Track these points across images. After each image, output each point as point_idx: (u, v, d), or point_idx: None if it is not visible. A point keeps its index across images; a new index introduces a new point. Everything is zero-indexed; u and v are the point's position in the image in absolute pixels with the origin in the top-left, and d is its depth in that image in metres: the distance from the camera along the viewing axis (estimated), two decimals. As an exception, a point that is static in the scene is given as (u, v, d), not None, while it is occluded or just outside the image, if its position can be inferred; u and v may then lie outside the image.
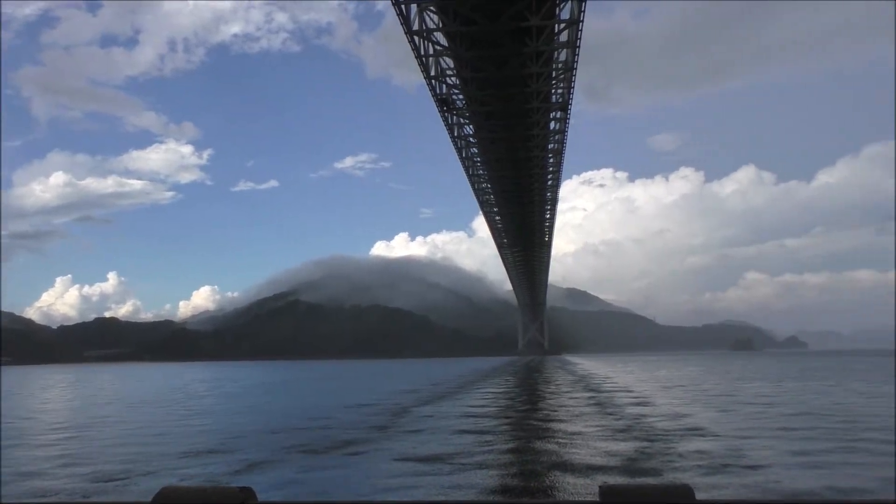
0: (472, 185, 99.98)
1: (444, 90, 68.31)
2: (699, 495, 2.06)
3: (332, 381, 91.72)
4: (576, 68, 61.73)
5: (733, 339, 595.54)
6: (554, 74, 64.31)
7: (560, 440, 23.72)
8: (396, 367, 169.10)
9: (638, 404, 38.62)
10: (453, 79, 66.63)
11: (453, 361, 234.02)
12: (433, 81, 65.39)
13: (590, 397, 45.88)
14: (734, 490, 14.74)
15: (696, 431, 25.40)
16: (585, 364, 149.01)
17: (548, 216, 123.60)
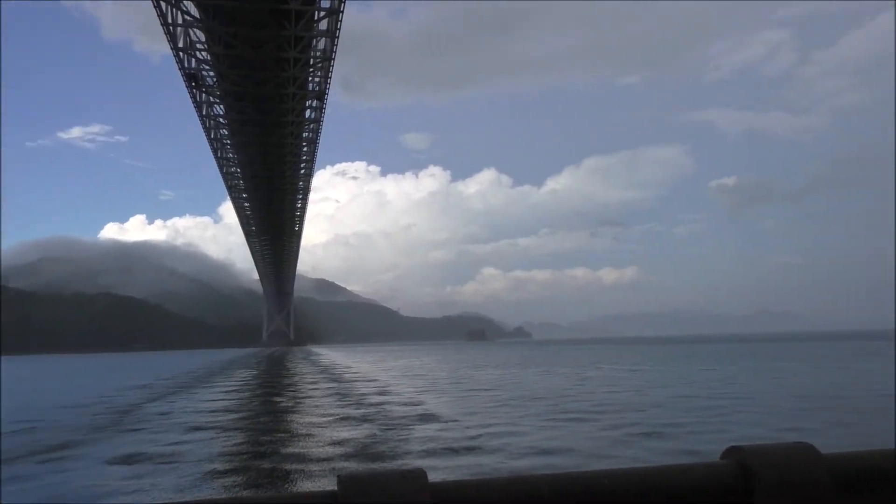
0: (221, 169, 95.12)
1: (194, 65, 63.99)
2: (432, 477, 2.09)
3: (46, 380, 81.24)
4: (334, 58, 61.62)
5: (468, 330, 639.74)
6: (312, 62, 63.52)
7: (300, 432, 23.45)
8: (126, 361, 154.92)
9: (378, 393, 39.63)
10: (204, 53, 62.71)
11: (191, 354, 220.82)
12: (181, 54, 60.89)
13: (332, 388, 46.10)
14: (464, 470, 15.75)
15: (430, 417, 26.69)
16: (330, 355, 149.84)
17: (299, 205, 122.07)
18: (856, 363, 62.42)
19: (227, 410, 32.41)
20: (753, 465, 2.26)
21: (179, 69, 62.76)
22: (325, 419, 26.98)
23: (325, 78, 66.42)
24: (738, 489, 2.26)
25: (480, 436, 21.38)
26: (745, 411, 26.60)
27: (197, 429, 25.09)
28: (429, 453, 18.36)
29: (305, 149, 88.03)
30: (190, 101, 69.98)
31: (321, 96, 70.84)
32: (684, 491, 2.26)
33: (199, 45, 61.19)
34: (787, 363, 65.02)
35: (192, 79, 65.16)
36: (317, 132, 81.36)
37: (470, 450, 18.82)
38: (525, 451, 18.40)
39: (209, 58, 62.99)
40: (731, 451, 2.38)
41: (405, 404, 32.43)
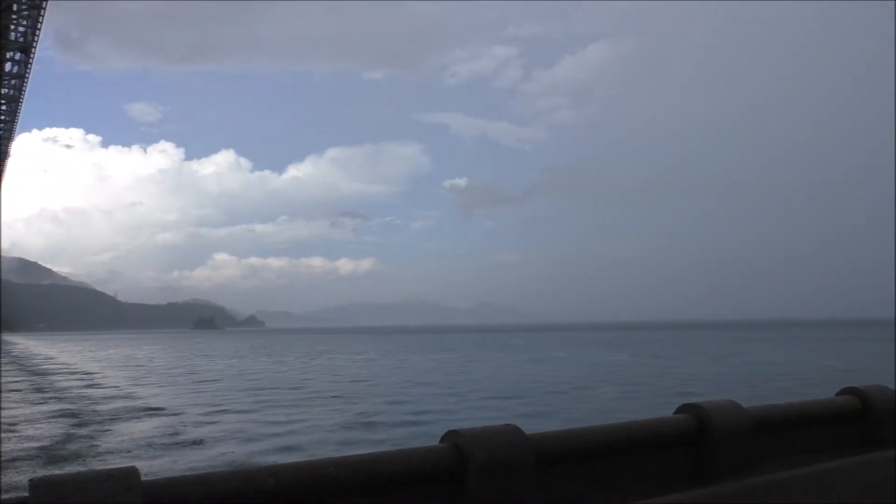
0: None
1: None
2: (146, 476, 1.91)
3: None
4: (45, 7, 54.00)
5: (197, 318, 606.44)
6: (16, 7, 54.94)
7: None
8: None
9: (86, 386, 35.96)
10: None
11: None
12: None
13: (27, 381, 40.67)
14: (182, 466, 14.84)
15: (147, 410, 24.90)
16: (27, 344, 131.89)
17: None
18: (555, 352, 71.21)
19: None
20: (467, 448, 2.46)
21: None
22: (15, 416, 23.59)
23: (34, 28, 57.85)
24: (454, 470, 2.45)
25: (203, 429, 20.41)
26: (460, 396, 28.94)
27: None
28: (144, 450, 17.04)
29: (5, 107, 75.97)
30: None
31: (27, 49, 61.56)
32: (406, 474, 2.39)
33: None
34: (496, 353, 72.17)
35: None
36: (20, 89, 70.48)
37: (193, 444, 17.87)
38: (255, 443, 17.96)
39: None
40: (449, 435, 2.57)
41: (117, 398, 29.76)
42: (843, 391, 4.00)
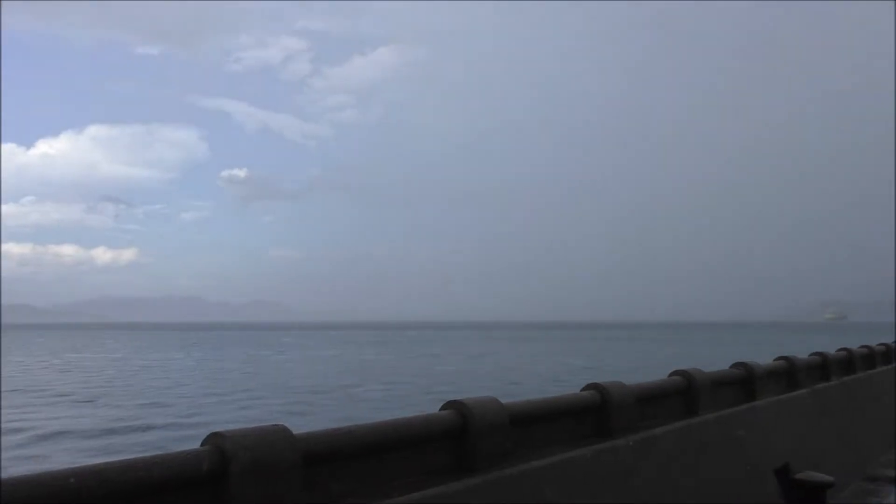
0: None
1: None
2: None
3: None
4: None
5: None
6: None
7: None
8: None
9: None
10: None
11: None
12: None
13: None
14: None
15: None
16: None
17: None
18: (325, 351, 71.24)
19: None
20: (231, 449, 2.40)
21: None
22: None
23: None
24: (217, 473, 2.37)
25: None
26: (224, 397, 27.83)
27: None
28: None
29: None
30: None
31: None
32: (163, 481, 2.26)
33: None
34: (265, 351, 70.81)
35: None
36: None
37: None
38: None
39: None
40: (212, 438, 2.48)
41: None
42: (588, 387, 4.53)
